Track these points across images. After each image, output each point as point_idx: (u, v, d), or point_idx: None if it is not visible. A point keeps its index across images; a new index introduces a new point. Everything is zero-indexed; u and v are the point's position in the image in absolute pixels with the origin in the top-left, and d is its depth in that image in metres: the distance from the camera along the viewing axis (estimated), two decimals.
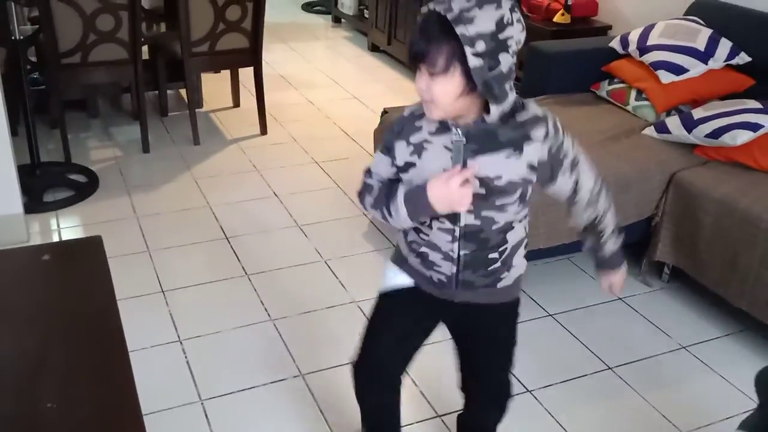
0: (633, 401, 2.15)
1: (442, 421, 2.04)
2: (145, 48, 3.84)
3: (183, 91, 4.26)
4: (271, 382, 2.15)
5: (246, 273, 2.69)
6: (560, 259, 2.78)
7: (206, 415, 2.01)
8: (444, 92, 1.26)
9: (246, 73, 4.02)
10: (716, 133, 2.55)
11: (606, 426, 2.05)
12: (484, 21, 1.20)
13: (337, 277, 2.69)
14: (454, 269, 1.43)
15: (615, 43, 3.20)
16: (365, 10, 5.65)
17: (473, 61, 1.21)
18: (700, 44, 2.93)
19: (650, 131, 2.81)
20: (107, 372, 1.24)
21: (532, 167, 1.34)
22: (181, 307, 2.47)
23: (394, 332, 1.57)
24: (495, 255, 1.43)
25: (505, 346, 1.60)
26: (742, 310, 2.36)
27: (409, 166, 1.38)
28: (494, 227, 1.39)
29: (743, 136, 2.49)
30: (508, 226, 1.41)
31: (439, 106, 1.29)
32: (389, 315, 1.58)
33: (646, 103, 2.95)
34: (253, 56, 3.79)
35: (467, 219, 1.37)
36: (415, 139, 1.37)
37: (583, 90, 3.21)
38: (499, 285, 1.48)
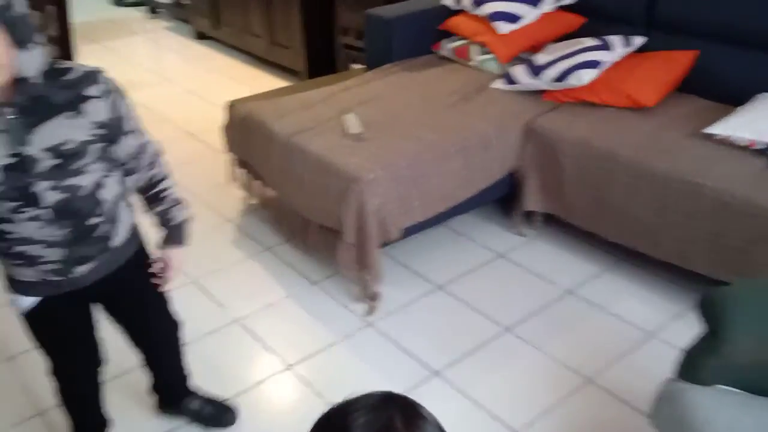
0: (534, 357, 2.15)
1: None
2: None
3: None
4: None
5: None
6: (437, 228, 2.73)
7: None
8: (3, 51, 1.19)
9: None
10: (562, 76, 2.59)
11: (517, 388, 2.04)
12: None
13: (211, 296, 2.47)
14: (66, 251, 1.37)
15: (447, 0, 3.16)
16: None
17: None
18: None
19: (499, 84, 2.80)
20: None
21: (100, 125, 1.33)
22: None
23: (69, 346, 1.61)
24: (96, 219, 1.40)
25: (153, 290, 1.65)
26: (615, 242, 2.44)
27: None
28: (81, 193, 1.34)
29: (588, 75, 2.54)
30: (97, 186, 1.38)
31: (3, 65, 1.20)
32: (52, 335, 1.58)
33: (489, 56, 2.94)
34: None
35: (51, 197, 1.30)
36: None
37: (426, 52, 3.15)
38: (112, 244, 1.46)
